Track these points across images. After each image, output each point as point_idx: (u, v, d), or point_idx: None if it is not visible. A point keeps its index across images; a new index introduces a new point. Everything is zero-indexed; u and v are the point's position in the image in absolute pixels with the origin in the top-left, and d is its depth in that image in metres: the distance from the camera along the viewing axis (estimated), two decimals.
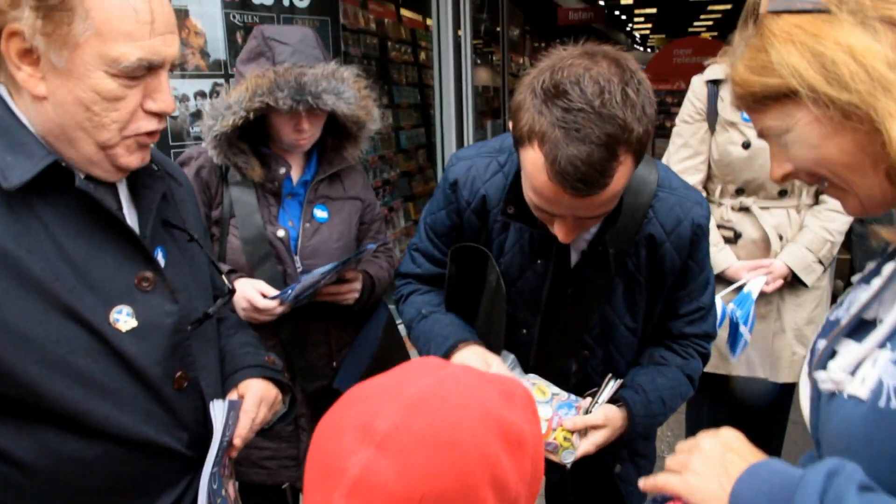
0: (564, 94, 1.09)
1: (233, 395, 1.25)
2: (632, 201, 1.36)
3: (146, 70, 0.98)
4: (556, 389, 1.44)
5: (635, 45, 28.67)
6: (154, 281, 1.07)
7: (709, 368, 2.28)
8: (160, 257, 1.12)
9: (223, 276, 1.28)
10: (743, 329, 2.20)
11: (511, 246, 1.46)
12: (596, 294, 1.43)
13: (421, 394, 0.67)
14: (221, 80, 3.38)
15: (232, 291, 1.28)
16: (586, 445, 1.37)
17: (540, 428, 0.78)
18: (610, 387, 1.44)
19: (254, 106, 1.68)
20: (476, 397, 0.69)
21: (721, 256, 2.33)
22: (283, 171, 1.83)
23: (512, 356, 1.49)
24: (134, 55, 0.94)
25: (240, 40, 3.44)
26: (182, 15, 3.25)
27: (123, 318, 1.02)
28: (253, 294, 1.72)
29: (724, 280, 2.34)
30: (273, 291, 1.74)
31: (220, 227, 1.84)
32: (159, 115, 1.03)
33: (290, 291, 1.69)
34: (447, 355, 1.42)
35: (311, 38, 1.79)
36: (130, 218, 1.10)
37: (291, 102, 1.68)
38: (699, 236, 1.42)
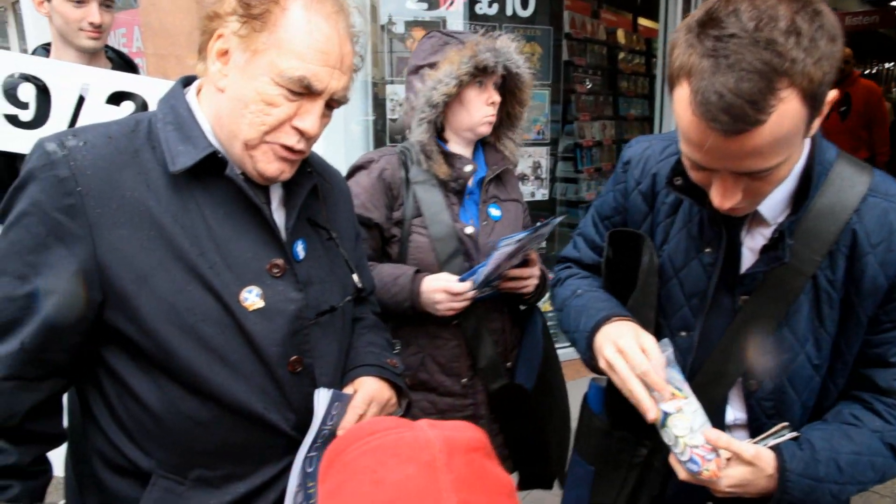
0: (718, 23, 0.97)
1: (348, 390, 1.29)
2: (830, 201, 1.17)
3: (306, 90, 1.08)
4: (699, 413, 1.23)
5: None
6: (284, 269, 1.16)
7: None
8: (300, 249, 1.21)
9: (353, 276, 1.34)
10: None
11: (677, 231, 1.33)
12: (774, 307, 1.22)
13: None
14: None
15: (360, 290, 1.34)
16: (723, 480, 1.16)
17: None
18: (780, 434, 1.20)
19: (464, 71, 1.73)
20: None
21: None
22: (468, 168, 1.85)
23: (671, 348, 1.30)
24: (297, 72, 1.06)
25: None
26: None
27: (252, 298, 1.11)
28: (447, 283, 1.75)
29: None
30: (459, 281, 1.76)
31: (401, 228, 1.86)
32: (302, 134, 1.11)
33: (478, 271, 1.69)
34: (598, 326, 1.31)
35: None
36: (279, 212, 1.21)
37: (495, 64, 1.76)
38: None
